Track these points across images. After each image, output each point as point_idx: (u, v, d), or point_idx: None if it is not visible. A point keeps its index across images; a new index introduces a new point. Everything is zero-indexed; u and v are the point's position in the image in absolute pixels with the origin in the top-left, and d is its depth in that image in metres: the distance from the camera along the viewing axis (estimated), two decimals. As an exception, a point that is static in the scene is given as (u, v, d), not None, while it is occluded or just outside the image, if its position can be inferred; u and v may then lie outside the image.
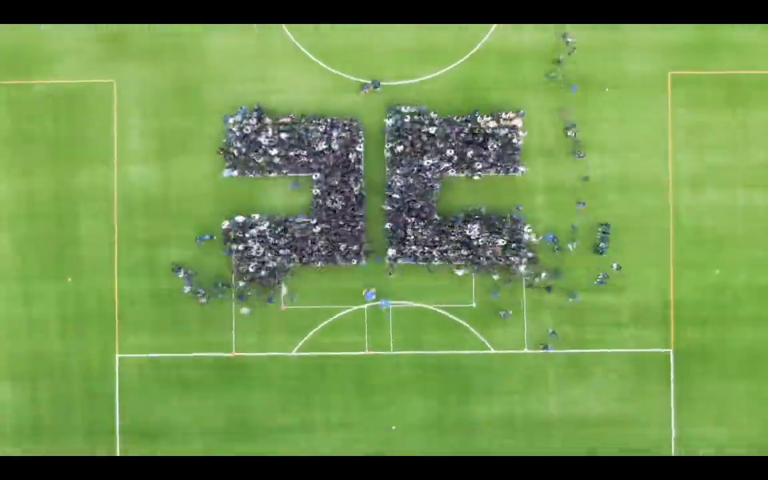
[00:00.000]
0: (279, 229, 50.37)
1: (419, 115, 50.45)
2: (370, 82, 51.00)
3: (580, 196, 51.40)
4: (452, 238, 50.44)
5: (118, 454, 51.38)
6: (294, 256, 50.58)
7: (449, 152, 50.47)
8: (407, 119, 50.49)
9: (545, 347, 50.78)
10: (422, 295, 51.31)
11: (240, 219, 50.50)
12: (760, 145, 51.59)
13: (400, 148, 50.36)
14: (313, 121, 50.63)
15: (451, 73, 51.54)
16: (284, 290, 50.93)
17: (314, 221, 50.38)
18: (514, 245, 50.45)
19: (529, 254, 50.75)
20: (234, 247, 50.52)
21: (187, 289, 50.80)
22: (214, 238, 50.99)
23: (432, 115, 50.48)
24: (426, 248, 50.51)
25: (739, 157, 51.53)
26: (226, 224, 50.56)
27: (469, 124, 50.54)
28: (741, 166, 51.59)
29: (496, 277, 50.94)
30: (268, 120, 50.62)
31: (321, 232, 50.42)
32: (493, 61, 51.61)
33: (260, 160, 50.59)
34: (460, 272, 50.88)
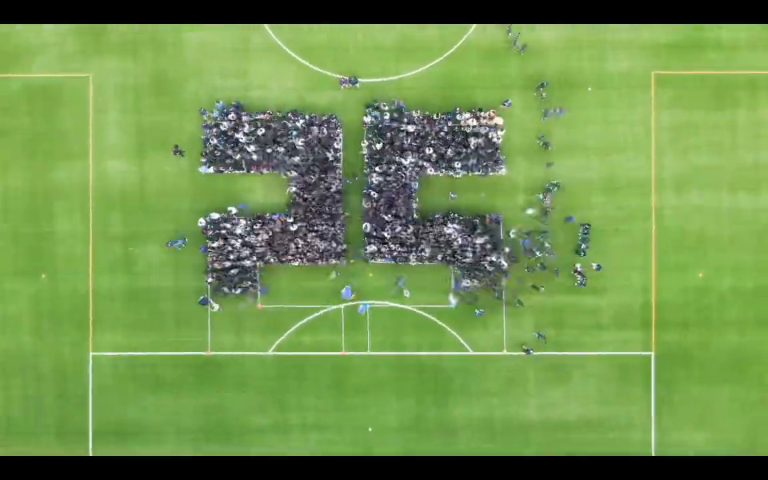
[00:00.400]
0: (256, 226, 49.63)
1: (398, 112, 49.68)
2: (347, 77, 50.19)
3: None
4: (431, 237, 49.71)
5: (90, 455, 50.86)
6: (269, 254, 49.85)
7: (428, 150, 49.74)
8: (386, 116, 49.73)
9: (527, 350, 50.11)
10: (401, 296, 50.59)
11: (215, 216, 49.75)
12: (747, 147, 50.89)
13: (378, 146, 49.65)
14: (291, 118, 49.77)
15: (432, 71, 50.84)
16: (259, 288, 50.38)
17: (291, 219, 49.66)
18: (489, 246, 49.71)
19: (506, 251, 50.06)
20: (209, 244, 49.76)
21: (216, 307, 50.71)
22: (186, 241, 50.33)
23: (413, 113, 49.67)
24: (404, 247, 49.75)
25: (725, 159, 50.83)
26: (202, 222, 49.83)
27: (449, 123, 49.73)
28: (727, 168, 50.90)
29: (469, 282, 50.40)
30: (245, 117, 49.77)
31: (298, 230, 49.67)
32: (474, 58, 50.82)
33: (237, 157, 49.79)
34: (453, 302, 50.31)
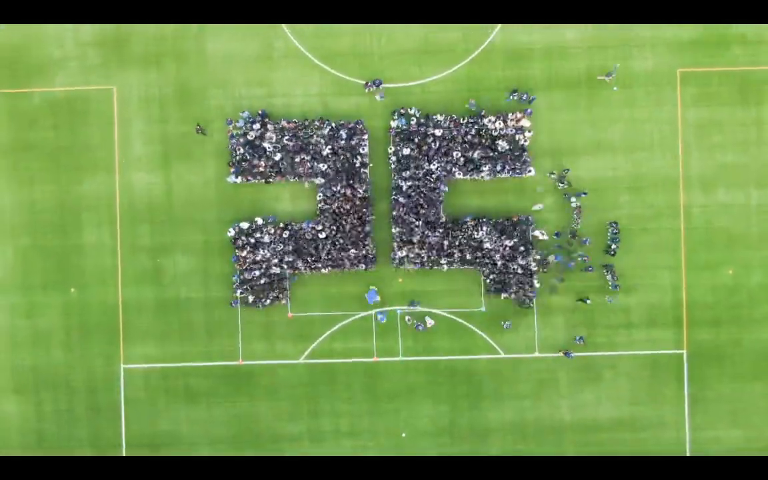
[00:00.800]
0: (284, 235, 49.57)
1: (425, 117, 49.55)
2: (372, 81, 50.10)
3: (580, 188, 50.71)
4: (461, 241, 49.53)
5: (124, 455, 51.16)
6: (299, 262, 49.76)
7: (456, 154, 49.60)
8: (413, 121, 49.60)
9: (567, 353, 49.85)
10: (431, 300, 50.45)
11: (245, 225, 49.65)
12: (775, 143, 50.67)
13: (406, 151, 49.52)
14: (317, 124, 49.67)
15: (456, 74, 50.73)
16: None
17: (320, 227, 49.54)
18: (522, 248, 49.55)
19: (538, 256, 49.97)
20: (239, 253, 49.70)
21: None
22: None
23: (437, 117, 49.54)
24: (434, 252, 49.58)
25: (751, 156, 50.60)
26: (231, 232, 49.72)
27: (476, 126, 49.59)
28: (754, 165, 50.70)
29: (507, 296, 50.34)
30: (270, 125, 49.68)
31: (327, 238, 49.53)
32: (498, 61, 50.73)
33: (263, 167, 49.75)
34: (505, 325, 50.52)
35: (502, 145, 49.62)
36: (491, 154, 49.71)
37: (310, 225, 49.78)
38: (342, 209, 49.68)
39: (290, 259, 49.84)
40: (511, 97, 49.99)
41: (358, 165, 49.84)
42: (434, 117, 49.72)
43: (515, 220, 49.80)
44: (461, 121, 49.77)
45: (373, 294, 50.12)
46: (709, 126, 50.62)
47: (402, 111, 49.89)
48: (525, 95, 50.06)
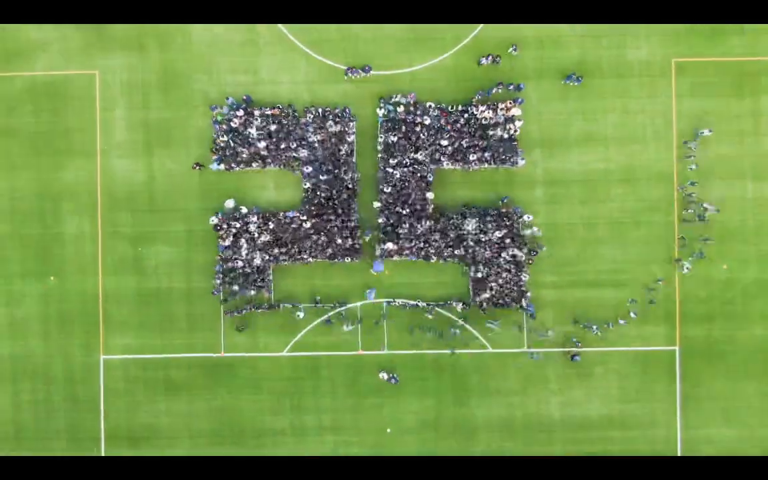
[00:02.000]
0: (265, 226, 48.65)
1: (414, 105, 48.45)
2: (361, 68, 49.04)
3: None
4: (449, 233, 48.48)
5: (103, 455, 50.07)
6: (282, 253, 48.75)
7: (444, 142, 48.44)
8: (400, 109, 48.51)
9: (574, 357, 49.01)
10: (418, 293, 49.38)
11: (230, 203, 48.75)
12: (770, 135, 49.57)
13: (393, 139, 48.39)
14: (304, 112, 48.60)
15: (445, 63, 49.60)
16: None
17: (305, 217, 48.48)
18: (509, 240, 48.50)
19: (524, 251, 49.00)
20: (221, 243, 48.73)
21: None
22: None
23: (427, 105, 48.45)
24: (421, 242, 48.52)
25: (747, 147, 49.47)
26: (214, 219, 48.66)
27: (465, 115, 48.46)
28: (749, 157, 49.58)
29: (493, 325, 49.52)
30: (256, 112, 48.60)
31: (312, 228, 48.47)
32: (488, 49, 49.56)
33: (246, 154, 48.69)
34: (494, 325, 49.43)
35: (492, 133, 48.39)
36: (480, 143, 48.49)
37: (294, 214, 48.60)
38: (328, 198, 48.50)
39: (273, 250, 48.67)
40: (496, 90, 48.75)
41: (344, 153, 48.67)
42: (426, 104, 48.45)
43: (504, 210, 48.55)
44: (450, 110, 48.51)
45: (371, 293, 49.00)
46: (703, 117, 49.43)
47: (391, 99, 48.62)
48: (511, 85, 48.79)
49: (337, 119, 48.75)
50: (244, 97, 48.91)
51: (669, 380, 49.57)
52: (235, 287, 48.79)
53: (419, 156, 48.50)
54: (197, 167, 49.13)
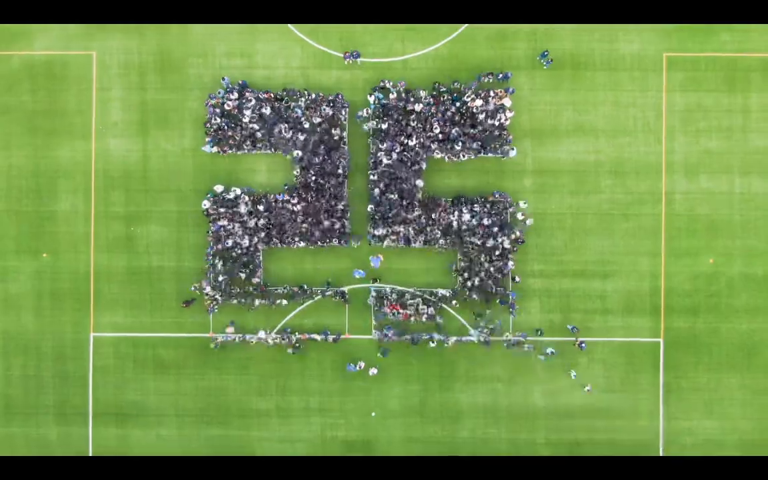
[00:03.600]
0: (257, 208, 49.06)
1: (405, 93, 48.85)
2: (350, 52, 49.45)
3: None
4: (440, 221, 48.88)
5: (90, 437, 50.56)
6: (272, 235, 49.27)
7: (435, 129, 48.83)
8: (392, 96, 48.91)
9: (581, 344, 49.65)
10: (406, 278, 49.85)
11: (219, 188, 49.14)
12: (760, 131, 49.89)
13: (384, 126, 48.78)
14: (296, 96, 49.07)
15: (439, 52, 49.98)
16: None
17: (295, 200, 48.94)
18: (496, 229, 48.90)
19: (516, 235, 49.36)
20: (211, 228, 49.32)
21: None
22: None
23: (420, 92, 48.81)
24: (411, 230, 48.97)
25: (736, 143, 49.84)
26: (206, 203, 49.18)
27: (456, 104, 48.84)
28: (738, 152, 49.95)
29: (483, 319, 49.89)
30: (250, 95, 49.02)
31: (302, 212, 48.94)
32: (481, 40, 49.98)
33: (238, 137, 49.10)
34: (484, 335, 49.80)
35: (482, 120, 48.73)
36: (470, 131, 48.86)
37: (285, 197, 49.07)
38: (319, 182, 48.95)
39: (262, 233, 49.17)
40: (486, 79, 49.11)
41: (336, 138, 49.07)
42: (417, 92, 48.85)
43: (491, 199, 48.98)
44: (441, 99, 48.89)
45: (359, 273, 49.48)
46: (694, 111, 49.87)
47: (381, 85, 49.07)
48: (500, 74, 49.20)
49: (331, 104, 49.02)
50: (240, 83, 49.24)
51: (653, 371, 50.02)
52: (221, 266, 49.07)
53: (410, 142, 48.81)
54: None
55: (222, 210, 49.03)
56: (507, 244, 49.07)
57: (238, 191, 49.10)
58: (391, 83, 49.16)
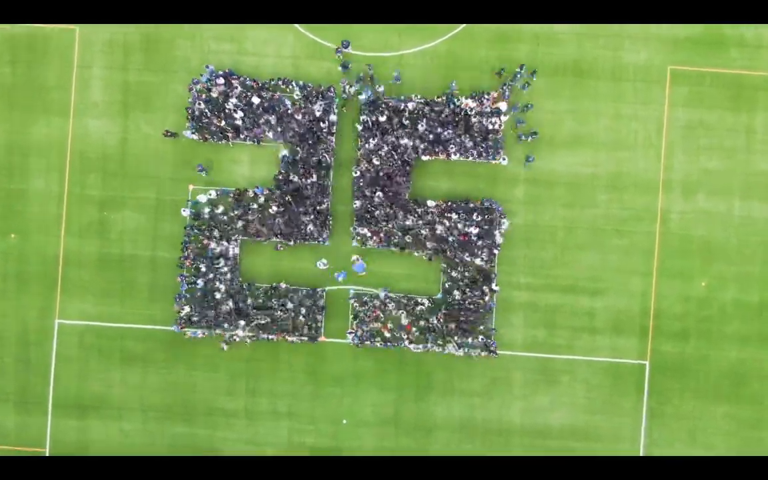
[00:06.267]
0: (235, 207, 47.59)
1: (396, 99, 47.21)
2: (340, 45, 47.81)
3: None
4: (423, 223, 47.17)
5: (48, 428, 48.87)
6: (249, 231, 47.64)
7: (421, 127, 47.04)
8: (380, 89, 47.36)
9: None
10: (386, 283, 48.17)
11: (202, 198, 47.68)
12: (764, 153, 48.07)
13: (374, 118, 46.92)
14: (283, 86, 47.40)
15: (436, 49, 48.13)
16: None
17: (274, 208, 47.36)
18: (481, 241, 47.17)
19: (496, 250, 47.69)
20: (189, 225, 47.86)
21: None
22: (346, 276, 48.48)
23: (411, 97, 47.11)
24: (397, 231, 47.31)
25: (738, 163, 48.03)
26: (186, 211, 47.75)
27: (450, 106, 46.94)
28: (740, 173, 48.14)
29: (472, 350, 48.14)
30: (236, 83, 47.18)
31: (281, 212, 47.25)
32: (481, 39, 48.20)
33: (223, 124, 47.28)
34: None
35: (474, 121, 46.97)
36: (462, 133, 47.02)
37: (263, 191, 47.36)
38: (303, 177, 47.18)
39: (240, 227, 47.56)
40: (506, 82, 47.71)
41: (324, 131, 47.26)
42: (406, 97, 47.30)
43: (480, 205, 47.25)
44: (435, 99, 47.12)
45: (341, 276, 47.88)
46: (696, 128, 48.10)
47: (362, 75, 47.67)
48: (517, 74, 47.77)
49: (320, 96, 47.19)
50: (226, 70, 47.41)
51: (637, 395, 48.47)
52: (199, 282, 47.52)
53: (400, 141, 47.01)
54: (169, 135, 47.76)
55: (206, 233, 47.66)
56: (483, 258, 47.30)
57: (214, 194, 47.39)
58: (379, 86, 47.37)
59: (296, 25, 47.98)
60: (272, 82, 47.44)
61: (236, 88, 47.25)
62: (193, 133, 47.44)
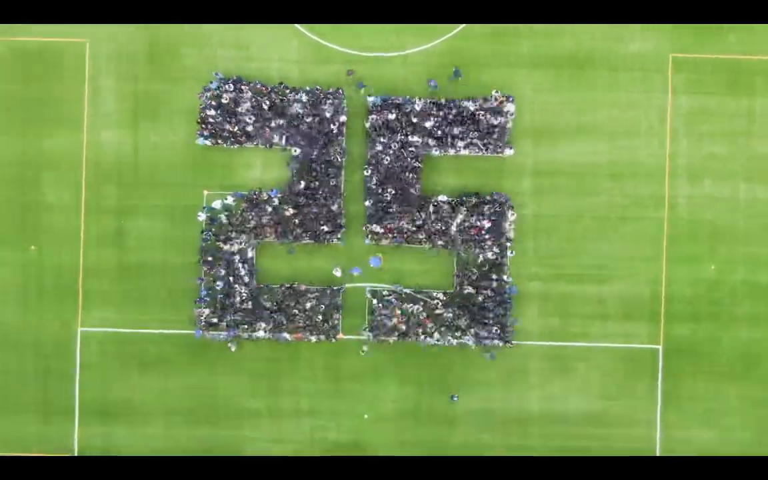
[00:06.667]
0: (250, 211, 48.29)
1: (404, 99, 48.13)
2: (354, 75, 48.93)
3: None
4: (434, 218, 47.88)
5: (76, 435, 49.39)
6: (266, 231, 48.28)
7: (428, 124, 47.87)
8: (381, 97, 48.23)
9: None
10: (401, 279, 48.87)
11: (217, 203, 48.32)
12: (764, 136, 48.85)
13: (381, 121, 47.74)
14: (291, 92, 48.12)
15: (439, 47, 48.93)
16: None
17: (287, 204, 48.12)
18: (491, 236, 47.92)
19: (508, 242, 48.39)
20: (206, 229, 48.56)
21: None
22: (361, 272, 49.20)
23: (417, 102, 47.92)
24: (407, 228, 47.99)
25: (741, 148, 48.88)
26: (201, 216, 48.38)
27: (457, 108, 47.81)
28: (743, 157, 48.97)
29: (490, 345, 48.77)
30: (245, 89, 47.90)
31: (296, 214, 47.97)
32: (484, 36, 48.99)
33: (235, 129, 47.99)
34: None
35: (482, 118, 47.84)
36: (470, 128, 47.84)
37: (276, 193, 48.07)
38: (315, 179, 47.89)
39: (251, 231, 48.34)
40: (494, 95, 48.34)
41: (335, 132, 47.99)
42: (413, 101, 48.14)
43: (489, 198, 48.02)
44: (442, 102, 47.96)
45: (377, 261, 48.62)
46: (698, 115, 48.87)
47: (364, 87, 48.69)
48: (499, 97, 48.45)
49: (329, 98, 47.93)
50: (234, 78, 48.13)
51: (651, 379, 49.14)
52: (219, 284, 48.10)
53: (409, 138, 47.76)
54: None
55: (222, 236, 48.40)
56: (495, 251, 48.10)
57: (230, 199, 48.16)
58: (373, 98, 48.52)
59: (299, 28, 48.58)
60: (281, 85, 48.09)
61: (246, 93, 47.78)
62: (205, 139, 48.00)
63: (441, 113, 47.86)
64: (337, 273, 48.62)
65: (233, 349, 48.67)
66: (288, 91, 48.17)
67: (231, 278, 48.17)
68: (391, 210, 47.90)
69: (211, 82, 48.25)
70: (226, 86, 48.01)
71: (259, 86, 48.03)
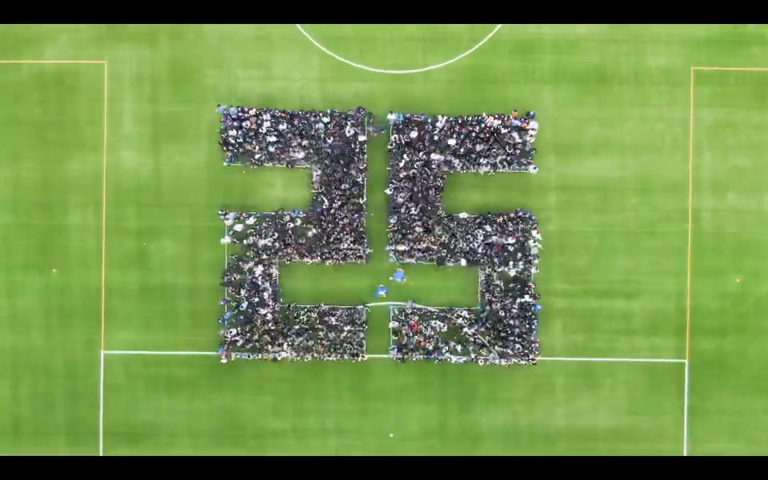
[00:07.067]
0: (271, 230, 48.19)
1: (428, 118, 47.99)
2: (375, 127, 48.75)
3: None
4: (459, 235, 47.67)
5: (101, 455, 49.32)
6: (289, 251, 48.17)
7: (451, 142, 47.61)
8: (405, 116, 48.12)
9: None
10: (424, 296, 48.62)
11: (239, 227, 48.17)
12: (789, 149, 48.60)
13: (405, 140, 47.56)
14: (314, 118, 48.11)
15: (461, 63, 48.79)
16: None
17: (310, 224, 48.18)
18: (516, 255, 47.84)
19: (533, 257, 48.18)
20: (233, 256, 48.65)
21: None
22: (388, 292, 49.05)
23: (439, 119, 47.68)
24: (433, 246, 47.86)
25: (766, 160, 48.54)
26: (226, 240, 48.30)
27: (480, 125, 47.63)
28: (767, 170, 48.55)
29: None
30: (265, 115, 47.87)
31: (319, 233, 47.98)
32: (504, 51, 48.85)
33: (256, 152, 47.99)
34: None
35: (504, 133, 47.71)
36: (493, 150, 47.67)
37: (299, 213, 47.94)
38: (337, 198, 47.74)
39: (274, 249, 48.25)
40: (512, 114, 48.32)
41: (357, 150, 47.86)
42: (434, 120, 47.97)
43: (513, 216, 47.80)
44: (466, 119, 47.73)
45: (383, 290, 48.40)
46: (722, 128, 48.65)
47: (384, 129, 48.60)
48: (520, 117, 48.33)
49: (351, 119, 47.81)
50: (240, 108, 48.15)
51: (678, 393, 48.82)
52: (243, 304, 48.03)
53: (432, 157, 47.56)
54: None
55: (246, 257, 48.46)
56: (519, 267, 47.92)
57: (252, 220, 47.96)
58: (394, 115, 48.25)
59: (323, 48, 48.66)
60: (303, 113, 47.99)
61: (266, 117, 47.68)
62: (232, 161, 47.88)
63: (464, 131, 47.48)
64: (383, 292, 48.52)
65: (224, 361, 48.40)
66: (309, 116, 47.94)
67: (255, 299, 47.86)
68: (414, 228, 47.51)
69: (230, 108, 47.93)
70: (249, 111, 47.81)
71: (278, 114, 47.77)
